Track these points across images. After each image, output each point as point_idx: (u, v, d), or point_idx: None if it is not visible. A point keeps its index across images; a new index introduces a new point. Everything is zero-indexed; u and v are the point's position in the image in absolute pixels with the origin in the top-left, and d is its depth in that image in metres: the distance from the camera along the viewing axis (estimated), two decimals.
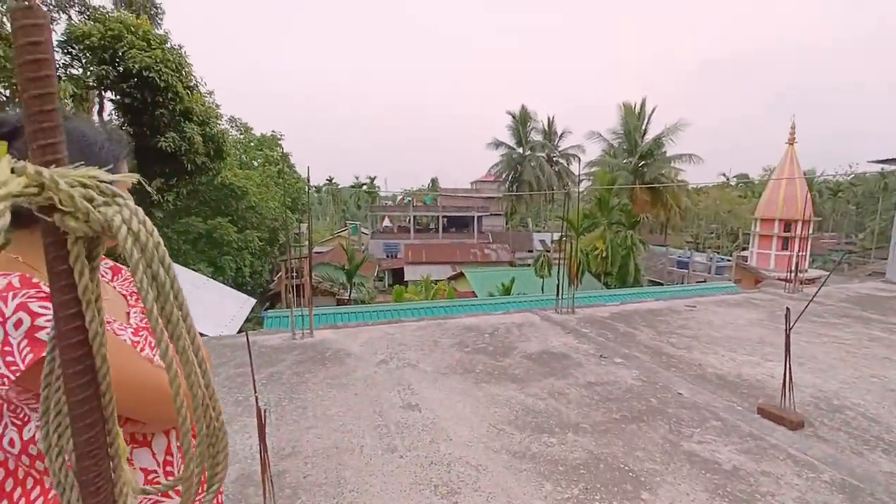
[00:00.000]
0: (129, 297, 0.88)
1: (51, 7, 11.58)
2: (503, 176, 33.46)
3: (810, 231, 25.74)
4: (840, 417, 2.83)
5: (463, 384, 3.20)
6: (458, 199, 42.25)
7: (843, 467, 2.28)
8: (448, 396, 3.01)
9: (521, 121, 32.04)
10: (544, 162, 31.93)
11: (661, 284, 19.33)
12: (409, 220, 39.42)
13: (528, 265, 22.38)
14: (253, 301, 7.15)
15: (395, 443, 2.48)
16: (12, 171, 0.29)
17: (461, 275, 23.15)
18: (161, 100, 11.29)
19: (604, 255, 17.63)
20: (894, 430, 2.68)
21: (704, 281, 20.44)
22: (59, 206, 0.28)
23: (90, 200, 0.30)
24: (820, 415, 2.85)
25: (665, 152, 23.09)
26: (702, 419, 2.77)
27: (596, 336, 4.41)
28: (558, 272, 5.79)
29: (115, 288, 0.87)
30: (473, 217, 37.84)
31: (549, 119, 33.27)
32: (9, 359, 0.60)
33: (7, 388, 0.62)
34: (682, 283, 19.44)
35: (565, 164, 32.79)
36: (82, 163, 0.57)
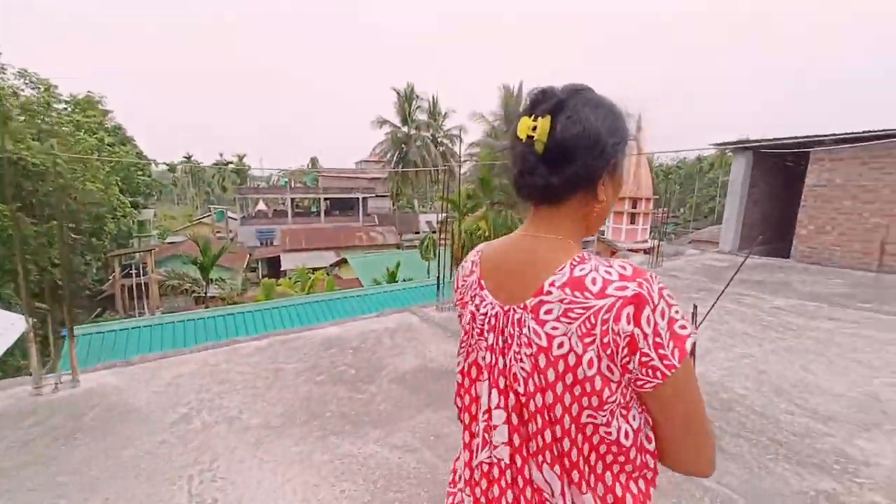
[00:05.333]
0: None
1: None
2: (388, 156, 32.17)
3: (652, 207, 30.24)
4: (734, 417, 2.58)
5: (302, 444, 2.24)
6: (341, 179, 39.81)
7: (762, 495, 1.91)
8: (272, 474, 2.02)
9: (407, 98, 30.88)
10: (429, 142, 31.43)
11: None
12: (287, 202, 35.87)
13: (416, 247, 21.86)
14: (22, 324, 5.08)
15: None
16: None
17: (344, 261, 21.66)
18: None
19: (486, 235, 17.84)
20: (780, 422, 2.50)
21: None
22: None
23: None
24: (716, 417, 2.57)
25: None
26: None
27: None
28: (438, 260, 5.08)
29: None
30: (358, 199, 35.96)
31: (433, 98, 32.70)
32: (661, 351, 0.57)
33: (660, 383, 0.58)
34: None
35: (450, 145, 32.78)
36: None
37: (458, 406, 0.76)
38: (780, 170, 9.20)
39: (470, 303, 0.72)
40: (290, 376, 3.01)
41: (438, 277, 5.00)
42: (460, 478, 0.77)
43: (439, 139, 32.66)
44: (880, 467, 2.13)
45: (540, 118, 0.62)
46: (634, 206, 27.49)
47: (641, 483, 0.66)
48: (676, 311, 0.58)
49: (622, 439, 0.62)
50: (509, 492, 0.67)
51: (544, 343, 0.60)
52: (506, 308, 0.66)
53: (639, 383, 0.59)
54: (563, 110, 0.62)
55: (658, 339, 0.56)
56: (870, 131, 6.59)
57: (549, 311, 0.60)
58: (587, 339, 0.57)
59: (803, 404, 2.75)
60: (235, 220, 33.74)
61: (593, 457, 0.63)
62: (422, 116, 32.21)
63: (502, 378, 0.66)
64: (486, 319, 0.68)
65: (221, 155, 47.92)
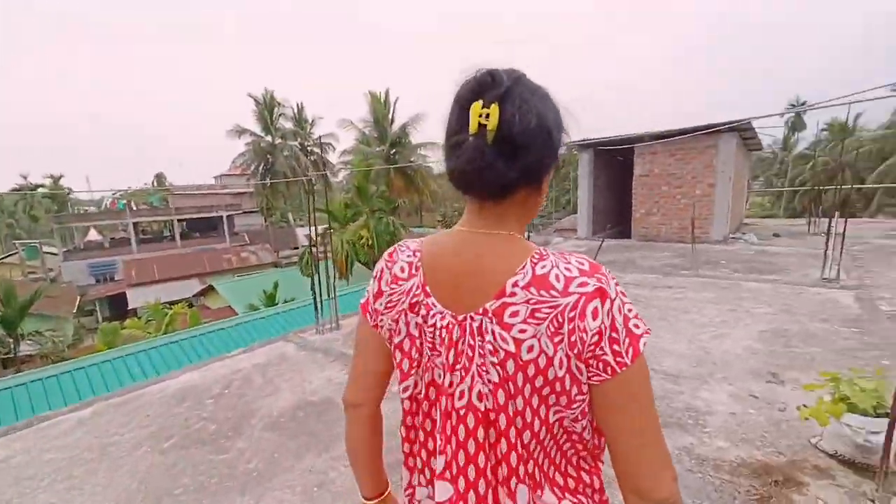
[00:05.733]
0: None
1: None
2: (252, 168, 29.42)
3: None
4: None
5: None
6: (198, 197, 35.25)
7: None
8: None
9: (268, 106, 28.63)
10: (298, 151, 29.62)
11: None
12: (130, 228, 30.35)
13: (296, 263, 20.35)
14: None
15: None
16: None
17: (211, 288, 19.14)
18: None
19: (370, 243, 17.43)
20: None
21: None
22: None
23: None
24: None
25: (411, 141, 24.66)
26: None
27: None
28: (313, 278, 4.66)
29: None
30: (222, 217, 32.21)
31: (298, 105, 30.90)
32: (616, 347, 0.56)
33: (608, 378, 0.56)
34: None
35: (321, 154, 31.35)
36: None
37: (402, 435, 0.71)
38: (616, 164, 10.75)
39: (410, 313, 0.64)
40: (124, 450, 2.38)
41: (315, 296, 4.59)
42: None
43: (309, 147, 31.05)
44: (718, 414, 2.49)
45: (492, 105, 0.56)
46: None
47: (589, 458, 0.67)
48: (630, 309, 0.58)
49: (584, 434, 0.63)
50: None
51: (512, 348, 0.57)
52: (460, 318, 0.60)
53: (588, 374, 0.58)
54: (510, 98, 0.57)
55: (614, 335, 0.56)
56: (672, 130, 8.07)
57: (514, 314, 0.57)
58: (556, 339, 0.56)
59: (658, 367, 3.12)
60: (56, 255, 27.43)
61: (553, 449, 0.63)
62: (287, 124, 30.27)
63: (462, 399, 0.61)
64: (437, 332, 0.62)
65: (26, 178, 38.30)
